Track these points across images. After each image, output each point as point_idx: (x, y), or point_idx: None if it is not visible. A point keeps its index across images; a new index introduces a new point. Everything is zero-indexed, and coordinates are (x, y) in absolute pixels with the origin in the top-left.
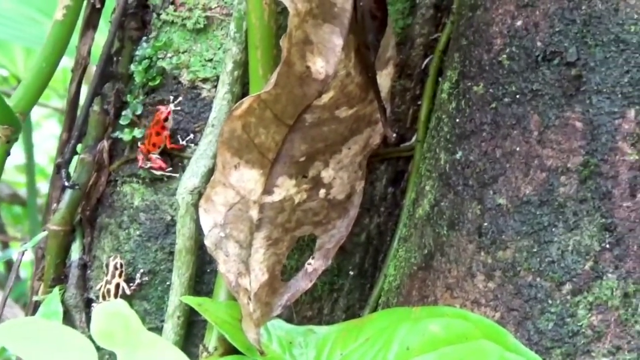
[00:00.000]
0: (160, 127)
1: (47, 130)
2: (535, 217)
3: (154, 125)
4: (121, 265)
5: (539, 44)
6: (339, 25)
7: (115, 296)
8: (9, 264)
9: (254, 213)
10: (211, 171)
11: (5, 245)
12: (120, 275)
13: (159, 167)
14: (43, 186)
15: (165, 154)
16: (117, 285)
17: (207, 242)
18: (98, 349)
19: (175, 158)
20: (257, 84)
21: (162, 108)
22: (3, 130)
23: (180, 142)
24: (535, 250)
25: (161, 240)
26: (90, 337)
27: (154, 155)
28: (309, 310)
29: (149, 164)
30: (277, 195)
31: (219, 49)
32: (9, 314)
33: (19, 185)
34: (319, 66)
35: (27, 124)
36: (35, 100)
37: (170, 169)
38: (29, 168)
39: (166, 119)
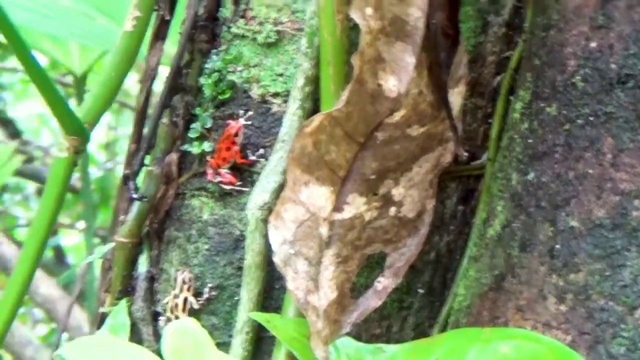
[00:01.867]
0: (230, 142)
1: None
2: (608, 241)
3: (224, 139)
4: (189, 280)
5: (613, 66)
6: (411, 44)
7: (183, 310)
8: (57, 251)
9: (324, 230)
10: (281, 187)
11: (54, 232)
12: (188, 290)
13: (228, 181)
14: (92, 172)
15: (235, 168)
16: (185, 300)
17: (276, 259)
18: None
19: (245, 173)
20: (328, 101)
21: (232, 123)
22: (71, 141)
23: (250, 157)
24: (607, 273)
25: (230, 255)
26: (156, 351)
27: (224, 170)
28: (378, 328)
29: (218, 179)
30: (348, 213)
31: (290, 63)
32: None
33: None
34: (391, 84)
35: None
36: (104, 111)
37: (240, 183)
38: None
39: (236, 134)
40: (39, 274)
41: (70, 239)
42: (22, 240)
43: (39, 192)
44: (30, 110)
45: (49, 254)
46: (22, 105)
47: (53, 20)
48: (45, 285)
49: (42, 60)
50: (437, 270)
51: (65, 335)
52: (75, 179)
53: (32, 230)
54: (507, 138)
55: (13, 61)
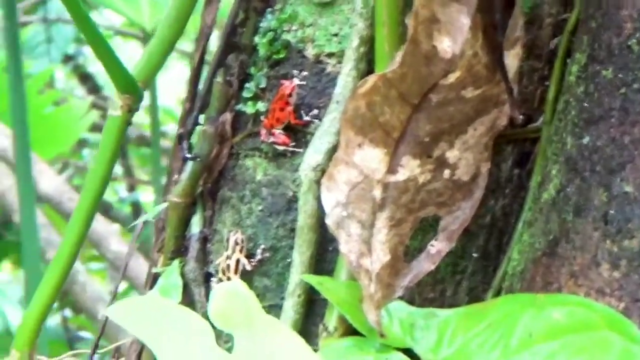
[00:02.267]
0: (284, 102)
1: (175, 73)
2: None
3: (278, 99)
4: (242, 241)
5: None
6: (466, 4)
7: (236, 272)
8: (135, 207)
9: (377, 193)
10: (334, 148)
11: (132, 188)
12: (241, 251)
13: (282, 142)
14: (171, 128)
15: (288, 129)
16: (238, 261)
17: (329, 221)
18: (215, 329)
19: (298, 133)
20: (382, 61)
21: (286, 83)
22: (124, 99)
23: (304, 118)
24: None
25: (283, 216)
26: (207, 313)
27: (277, 131)
28: (431, 293)
29: (271, 139)
30: (402, 175)
31: (345, 23)
32: (134, 264)
33: (146, 127)
34: (446, 45)
35: None
36: (158, 68)
37: (294, 144)
38: (153, 111)
39: (290, 95)
40: (111, 229)
41: (149, 195)
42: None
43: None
44: None
45: (126, 209)
46: None
47: None
48: (117, 242)
49: (117, 19)
50: (491, 234)
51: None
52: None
53: (84, 189)
54: (563, 101)
55: (93, 15)
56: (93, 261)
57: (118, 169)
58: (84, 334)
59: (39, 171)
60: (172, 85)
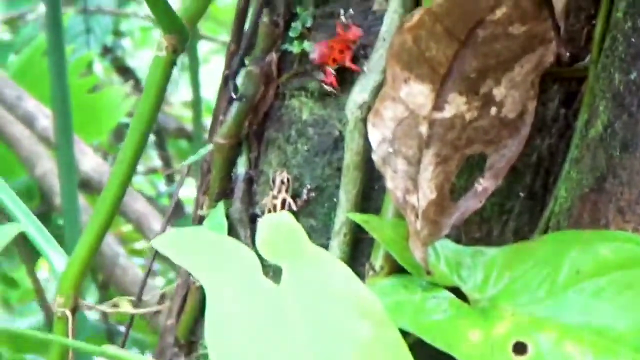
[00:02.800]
0: (345, 46)
1: (215, 66)
2: None
3: (340, 41)
4: (288, 180)
5: None
6: None
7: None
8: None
9: (424, 129)
10: (381, 86)
11: (171, 179)
12: (286, 191)
13: (330, 82)
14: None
15: (339, 70)
16: (284, 201)
17: (375, 157)
18: (262, 262)
19: (345, 72)
20: None
21: (354, 28)
22: (169, 39)
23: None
24: None
25: (329, 155)
26: (254, 252)
27: (331, 69)
28: (478, 232)
29: (321, 76)
30: (448, 112)
31: None
32: None
33: (185, 120)
34: None
35: (193, 57)
36: (204, 9)
37: (339, 88)
38: (196, 99)
39: (354, 42)
40: (153, 212)
41: (188, 189)
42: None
43: (159, 144)
44: (150, 58)
45: (165, 201)
46: (141, 53)
47: None
48: (158, 222)
49: None
50: (538, 173)
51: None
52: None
53: (129, 134)
54: (610, 38)
55: (132, 7)
56: (133, 241)
57: (157, 161)
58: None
59: (80, 151)
60: (212, 78)
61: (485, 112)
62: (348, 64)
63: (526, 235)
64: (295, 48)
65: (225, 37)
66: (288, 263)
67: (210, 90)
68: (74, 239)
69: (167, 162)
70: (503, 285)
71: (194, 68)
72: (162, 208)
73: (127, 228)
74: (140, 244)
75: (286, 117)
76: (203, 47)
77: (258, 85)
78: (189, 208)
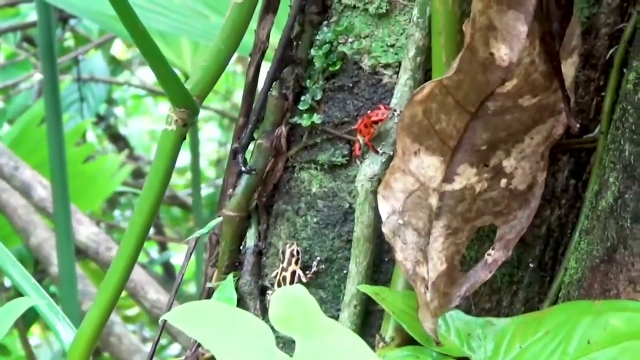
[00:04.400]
0: (370, 123)
1: (206, 134)
2: None
3: (366, 118)
4: (297, 253)
5: None
6: (523, 12)
7: (291, 284)
8: (166, 268)
9: (434, 201)
10: (391, 159)
11: (163, 247)
12: (296, 263)
13: (355, 150)
14: (203, 189)
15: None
16: (293, 273)
17: (385, 229)
18: (274, 334)
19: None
20: (439, 70)
21: (382, 109)
22: (179, 113)
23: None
24: None
25: (339, 227)
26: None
27: (360, 139)
28: (488, 302)
29: (359, 140)
30: (458, 184)
31: (402, 34)
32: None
33: (178, 188)
34: (503, 53)
35: (193, 128)
36: (213, 83)
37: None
38: (194, 167)
39: (377, 122)
40: (148, 278)
41: (181, 257)
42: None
43: None
44: (142, 126)
45: (158, 269)
46: (133, 121)
47: (164, 16)
48: (154, 290)
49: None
50: (548, 244)
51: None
52: (186, 194)
53: (139, 206)
54: (620, 109)
55: (125, 75)
56: (126, 308)
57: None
58: None
59: (76, 220)
60: (204, 146)
61: (495, 184)
62: (368, 143)
63: (536, 306)
64: (304, 121)
65: (217, 104)
66: (301, 335)
67: (201, 159)
68: (72, 307)
69: (159, 229)
70: (513, 355)
71: (193, 131)
72: (154, 276)
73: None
74: (133, 311)
75: (295, 189)
76: None
77: (267, 158)
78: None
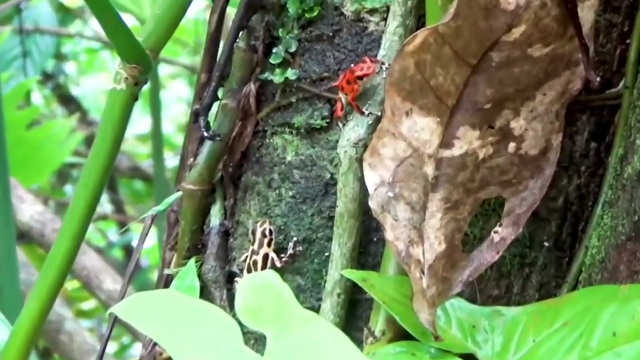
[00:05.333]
0: (353, 80)
1: (173, 93)
2: None
3: (349, 72)
4: (270, 232)
5: None
6: None
7: (263, 269)
8: (128, 251)
9: (430, 169)
10: (379, 120)
11: (124, 227)
12: (269, 245)
13: (339, 115)
14: (169, 159)
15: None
16: (266, 256)
17: (373, 204)
18: (242, 329)
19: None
20: (434, 16)
21: (368, 62)
22: (130, 69)
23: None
24: None
25: (319, 202)
26: (232, 317)
27: (343, 97)
28: (495, 289)
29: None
30: (458, 149)
31: None
32: None
33: (141, 157)
34: None
35: (153, 81)
36: (169, 34)
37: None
38: (156, 133)
39: (362, 78)
40: (104, 266)
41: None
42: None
43: (109, 185)
44: (97, 85)
45: (118, 254)
46: (87, 79)
47: None
48: (111, 280)
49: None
50: (565, 219)
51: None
52: (151, 165)
53: (83, 177)
54: None
55: (77, 25)
56: (81, 300)
57: (107, 206)
58: None
59: (18, 197)
60: (171, 108)
61: (502, 149)
62: (353, 104)
63: (552, 292)
64: (277, 77)
65: (185, 58)
66: (273, 330)
67: (168, 123)
68: (12, 300)
69: (118, 207)
70: (526, 350)
71: (154, 98)
72: (114, 261)
73: (72, 285)
74: (89, 304)
75: (267, 158)
76: (159, 71)
77: (234, 122)
78: (145, 260)
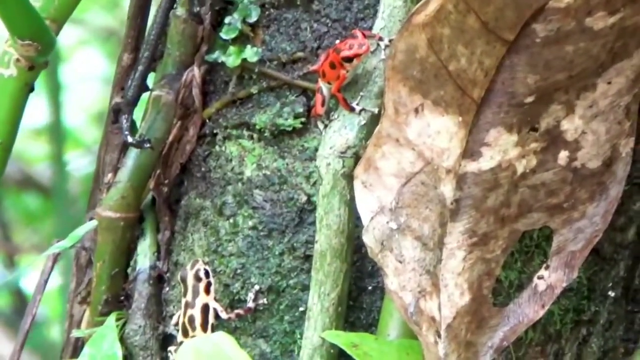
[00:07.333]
0: (338, 62)
1: (81, 66)
2: None
3: (333, 51)
4: (207, 274)
5: None
6: None
7: (204, 327)
8: (18, 296)
9: (448, 190)
10: (375, 119)
11: (11, 261)
12: (206, 291)
13: (318, 113)
14: (75, 159)
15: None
16: (205, 308)
17: (368, 239)
18: None
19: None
20: None
21: (358, 40)
22: (24, 48)
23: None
24: None
25: (290, 236)
26: None
27: (324, 87)
28: (540, 356)
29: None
30: (488, 161)
31: None
32: None
33: (35, 161)
34: None
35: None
36: (76, 3)
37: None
38: (55, 126)
39: (350, 60)
40: None
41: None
42: None
43: None
44: None
45: (4, 301)
46: None
47: None
48: (4, 343)
49: None
50: (638, 258)
51: None
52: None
53: None
54: None
55: None
56: None
57: None
58: None
59: None
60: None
61: (549, 160)
62: (336, 93)
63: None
64: (231, 59)
65: (99, 17)
66: None
67: (74, 110)
68: None
69: (4, 232)
70: None
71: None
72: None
73: None
74: None
75: (217, 172)
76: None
77: (170, 122)
78: (42, 309)
